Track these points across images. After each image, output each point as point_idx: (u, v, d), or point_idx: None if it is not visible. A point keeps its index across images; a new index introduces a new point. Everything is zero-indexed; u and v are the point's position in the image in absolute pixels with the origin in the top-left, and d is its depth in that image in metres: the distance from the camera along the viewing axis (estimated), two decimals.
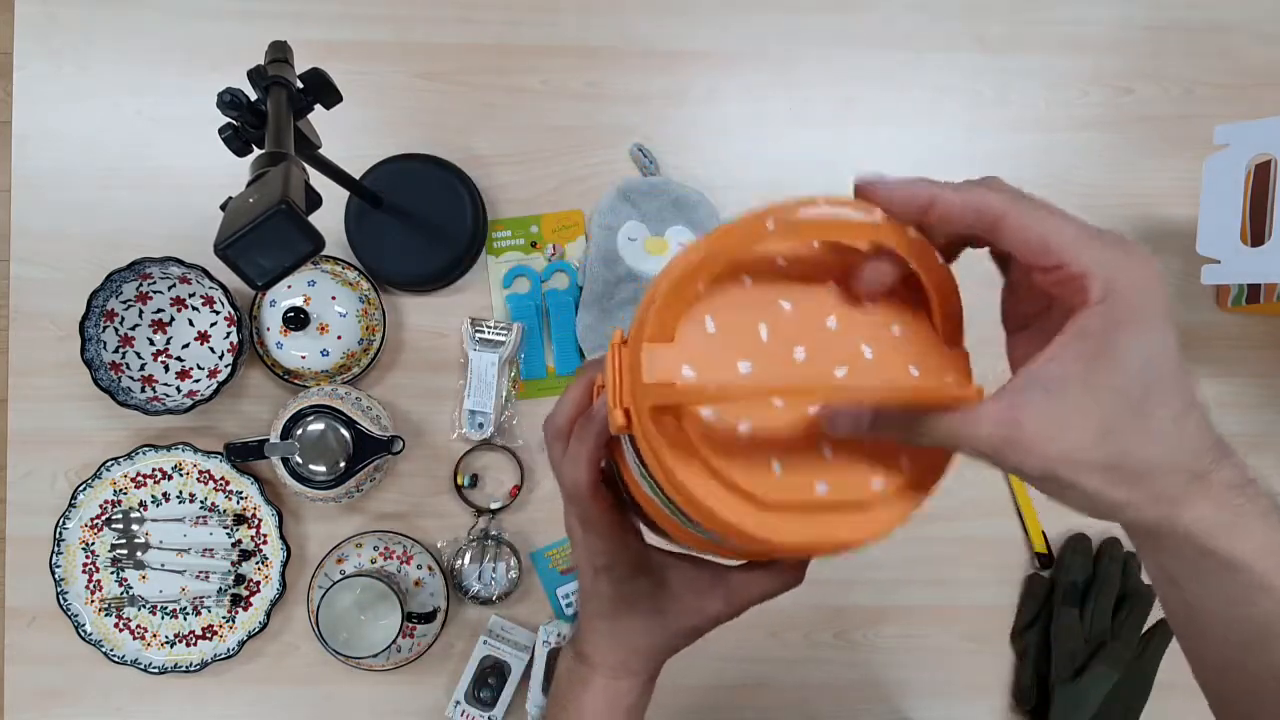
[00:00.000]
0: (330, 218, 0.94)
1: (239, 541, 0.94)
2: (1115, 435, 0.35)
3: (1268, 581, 0.38)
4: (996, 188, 0.37)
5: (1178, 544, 0.39)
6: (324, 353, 0.91)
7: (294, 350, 0.91)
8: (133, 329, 0.93)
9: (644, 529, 0.47)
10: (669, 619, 0.49)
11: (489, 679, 0.95)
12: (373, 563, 0.95)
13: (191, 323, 0.94)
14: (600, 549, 0.47)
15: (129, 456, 0.93)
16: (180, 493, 0.94)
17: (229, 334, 0.94)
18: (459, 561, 0.95)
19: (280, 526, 0.94)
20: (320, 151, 0.79)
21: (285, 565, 0.94)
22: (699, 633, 0.51)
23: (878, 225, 0.37)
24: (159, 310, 0.93)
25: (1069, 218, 0.36)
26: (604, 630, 0.50)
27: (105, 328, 0.91)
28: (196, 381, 0.94)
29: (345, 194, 0.91)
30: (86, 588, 0.94)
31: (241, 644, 0.94)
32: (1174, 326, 0.36)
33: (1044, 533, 0.98)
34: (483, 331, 0.95)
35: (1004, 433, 0.36)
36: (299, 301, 0.90)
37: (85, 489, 0.93)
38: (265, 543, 0.94)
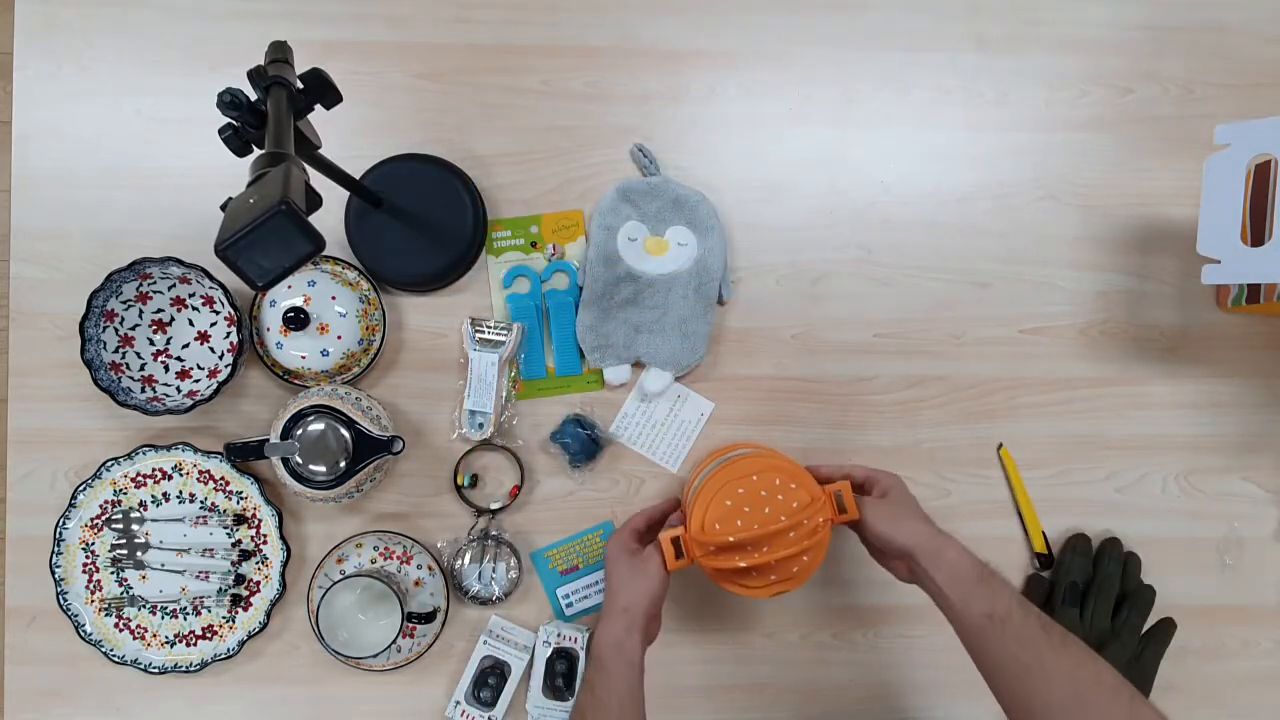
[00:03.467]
0: (330, 218, 0.94)
1: (239, 541, 0.94)
2: (905, 517, 0.83)
3: (958, 560, 0.78)
4: (850, 464, 0.89)
5: (921, 551, 0.79)
6: (324, 353, 0.91)
7: (294, 350, 0.91)
8: (133, 329, 0.93)
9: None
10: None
11: (489, 679, 0.95)
12: (373, 563, 0.95)
13: (191, 323, 0.94)
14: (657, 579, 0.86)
15: (129, 456, 0.93)
16: (180, 493, 0.94)
17: (229, 334, 0.94)
18: (459, 561, 0.95)
19: (280, 526, 0.94)
20: (320, 151, 0.79)
21: (285, 565, 0.94)
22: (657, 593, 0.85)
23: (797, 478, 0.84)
24: (159, 310, 0.93)
25: (867, 467, 0.88)
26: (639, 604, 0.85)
27: (105, 328, 0.91)
28: (196, 381, 0.94)
29: (345, 194, 0.91)
30: (86, 588, 0.94)
31: (241, 644, 0.94)
32: (911, 494, 0.86)
33: (1044, 533, 0.98)
34: (483, 331, 0.95)
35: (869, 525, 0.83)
36: (299, 301, 0.90)
37: (85, 489, 0.93)
38: (265, 543, 0.94)
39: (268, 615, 0.94)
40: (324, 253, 0.70)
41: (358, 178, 0.89)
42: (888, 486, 0.85)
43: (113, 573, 0.94)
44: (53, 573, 0.93)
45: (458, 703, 0.94)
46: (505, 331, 0.94)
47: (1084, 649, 0.70)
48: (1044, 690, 0.69)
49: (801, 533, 0.81)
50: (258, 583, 0.95)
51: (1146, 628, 0.96)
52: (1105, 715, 0.67)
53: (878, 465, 0.98)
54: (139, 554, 0.94)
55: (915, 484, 0.98)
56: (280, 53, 0.71)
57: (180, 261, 0.88)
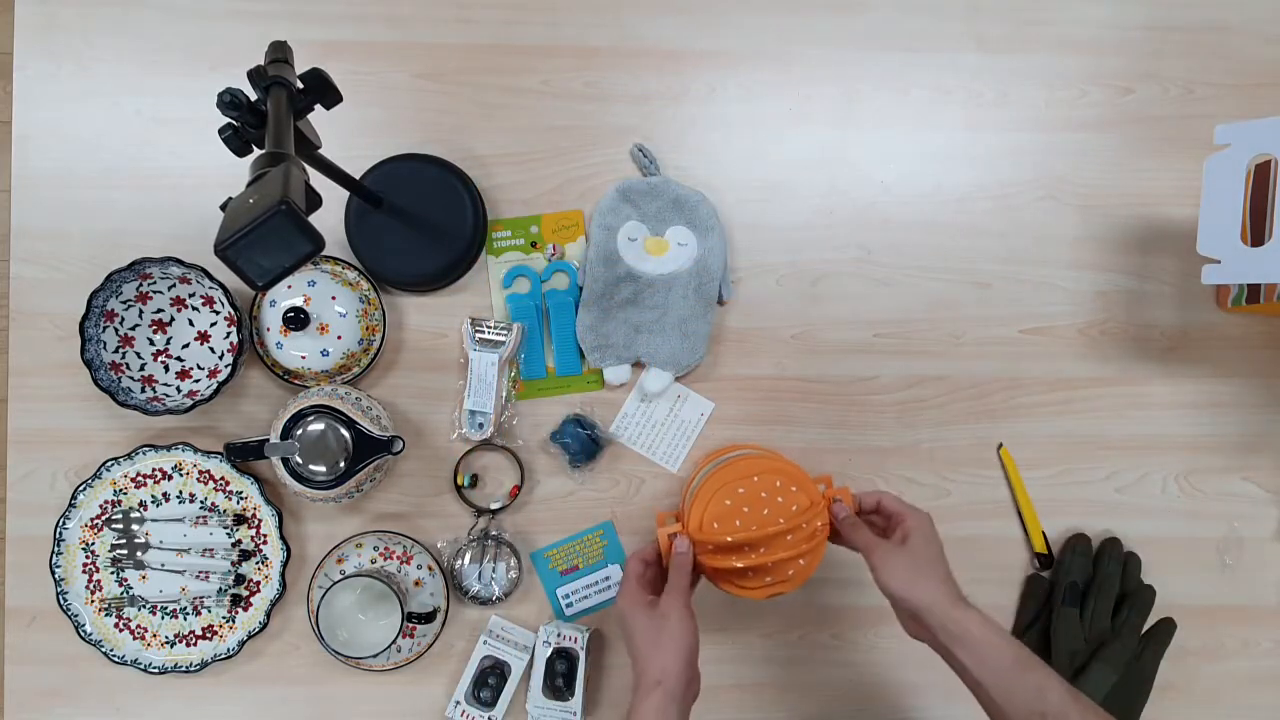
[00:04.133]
0: (330, 218, 0.94)
1: (239, 541, 0.94)
2: (924, 576, 0.77)
3: (988, 641, 0.73)
4: (880, 491, 0.85)
5: (938, 617, 0.74)
6: (324, 353, 0.91)
7: (294, 350, 0.91)
8: (133, 329, 0.93)
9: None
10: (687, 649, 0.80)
11: (489, 679, 0.95)
12: (373, 563, 0.95)
13: (191, 323, 0.94)
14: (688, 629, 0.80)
15: (129, 456, 0.93)
16: (180, 493, 0.94)
17: (229, 334, 0.94)
18: (459, 561, 0.95)
19: (280, 526, 0.94)
20: (320, 151, 0.79)
21: (285, 565, 0.94)
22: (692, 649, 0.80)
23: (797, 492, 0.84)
24: (159, 310, 0.93)
25: (900, 498, 0.83)
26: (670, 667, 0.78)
27: (105, 328, 0.91)
28: (196, 381, 0.94)
29: (345, 194, 0.91)
30: (86, 588, 0.94)
31: (241, 644, 0.94)
32: (938, 541, 0.80)
33: (1044, 533, 0.98)
34: (483, 331, 0.95)
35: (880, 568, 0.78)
36: (299, 301, 0.90)
37: (85, 489, 0.93)
38: (265, 543, 0.94)
39: (268, 615, 0.94)
40: (324, 253, 0.70)
41: (358, 178, 0.89)
42: (910, 530, 0.79)
43: (113, 573, 0.94)
44: (53, 573, 0.93)
45: (458, 703, 0.94)
46: (505, 331, 0.94)
47: None
48: None
49: (799, 536, 0.81)
50: (258, 583, 0.95)
51: (1146, 628, 0.96)
52: None
53: (878, 466, 0.98)
54: (139, 554, 0.94)
55: (915, 484, 0.98)
56: (280, 53, 0.71)
57: (180, 261, 0.88)
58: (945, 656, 0.75)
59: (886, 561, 0.77)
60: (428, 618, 0.93)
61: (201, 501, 0.94)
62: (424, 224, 0.94)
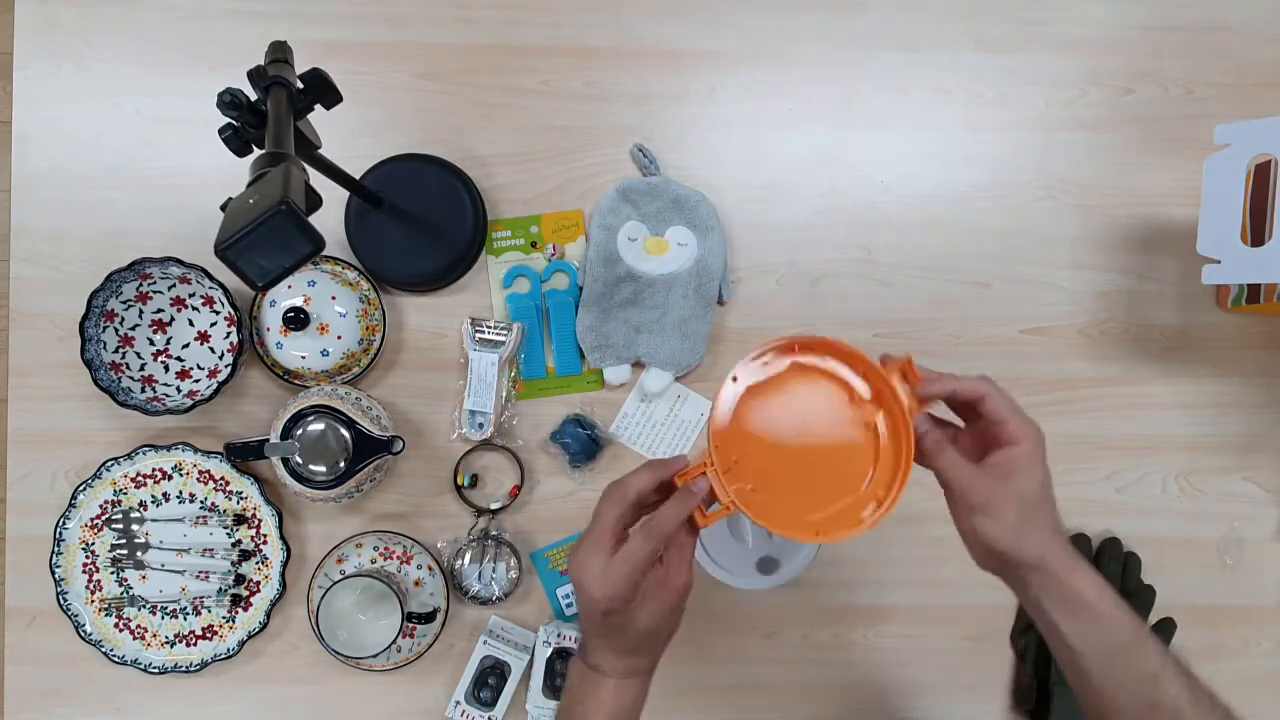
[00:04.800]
0: (330, 218, 0.94)
1: (239, 541, 0.94)
2: (1034, 526, 0.61)
3: (1101, 610, 0.60)
4: (985, 380, 0.63)
5: (1045, 576, 0.60)
6: (324, 353, 0.91)
7: (294, 350, 0.91)
8: (133, 329, 0.93)
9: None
10: (652, 630, 0.64)
11: (489, 679, 0.95)
12: (373, 563, 0.95)
13: (191, 323, 0.94)
14: (621, 595, 0.61)
15: (129, 456, 0.93)
16: (180, 493, 0.94)
17: (229, 334, 0.94)
18: (459, 561, 0.95)
19: (280, 526, 0.94)
20: (320, 151, 0.79)
21: (285, 565, 0.94)
22: (667, 631, 0.66)
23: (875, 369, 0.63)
24: (159, 310, 0.93)
25: (1010, 400, 0.63)
26: (610, 649, 0.66)
27: (105, 328, 0.91)
28: (196, 381, 0.94)
29: (345, 194, 0.91)
30: (86, 588, 0.94)
31: (241, 644, 0.94)
32: (1048, 471, 0.64)
33: None
34: (483, 331, 0.95)
35: (969, 490, 0.62)
36: (299, 301, 0.90)
37: (85, 489, 0.93)
38: (265, 543, 0.94)
39: (268, 615, 0.94)
40: (324, 253, 0.70)
41: (358, 178, 0.89)
42: (1017, 458, 0.61)
43: (113, 573, 0.94)
44: (53, 573, 0.93)
45: (458, 703, 0.94)
46: (505, 331, 0.94)
47: None
48: None
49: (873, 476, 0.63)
50: (258, 583, 0.95)
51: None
52: None
53: None
54: (139, 554, 0.94)
55: (916, 484, 0.96)
56: (280, 53, 0.71)
57: (180, 261, 0.88)
58: (1032, 610, 0.62)
59: (990, 504, 0.59)
60: (428, 618, 0.93)
61: (201, 501, 0.94)
62: (424, 224, 0.94)
